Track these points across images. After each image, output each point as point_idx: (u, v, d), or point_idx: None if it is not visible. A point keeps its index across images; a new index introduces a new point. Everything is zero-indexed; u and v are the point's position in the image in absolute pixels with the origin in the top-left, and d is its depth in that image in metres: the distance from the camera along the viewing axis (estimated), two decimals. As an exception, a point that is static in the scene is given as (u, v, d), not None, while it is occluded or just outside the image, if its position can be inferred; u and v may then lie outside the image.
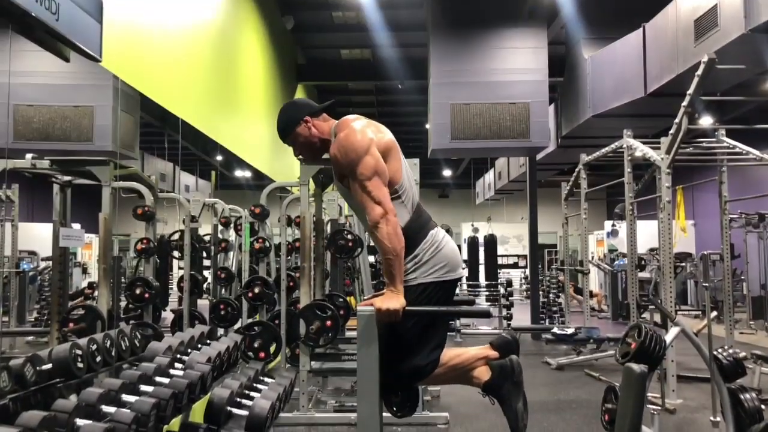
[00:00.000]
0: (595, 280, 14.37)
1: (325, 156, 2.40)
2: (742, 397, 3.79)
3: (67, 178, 5.14)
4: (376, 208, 2.03)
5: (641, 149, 5.75)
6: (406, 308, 1.96)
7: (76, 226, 5.82)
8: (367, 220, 2.07)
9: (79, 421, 2.12)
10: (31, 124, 5.56)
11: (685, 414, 4.84)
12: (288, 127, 2.23)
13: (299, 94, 11.11)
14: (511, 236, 18.76)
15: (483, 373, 2.28)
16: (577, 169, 7.82)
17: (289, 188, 6.98)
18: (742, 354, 4.16)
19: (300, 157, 2.43)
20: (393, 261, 1.99)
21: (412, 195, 2.19)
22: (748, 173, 10.27)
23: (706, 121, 9.28)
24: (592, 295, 13.19)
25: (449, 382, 2.40)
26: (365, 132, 2.15)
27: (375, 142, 2.14)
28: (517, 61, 8.05)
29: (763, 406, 3.80)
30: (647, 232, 9.84)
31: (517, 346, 2.38)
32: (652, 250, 11.43)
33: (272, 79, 9.23)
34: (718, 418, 3.81)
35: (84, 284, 12.24)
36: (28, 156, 4.73)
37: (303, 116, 2.22)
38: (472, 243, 16.00)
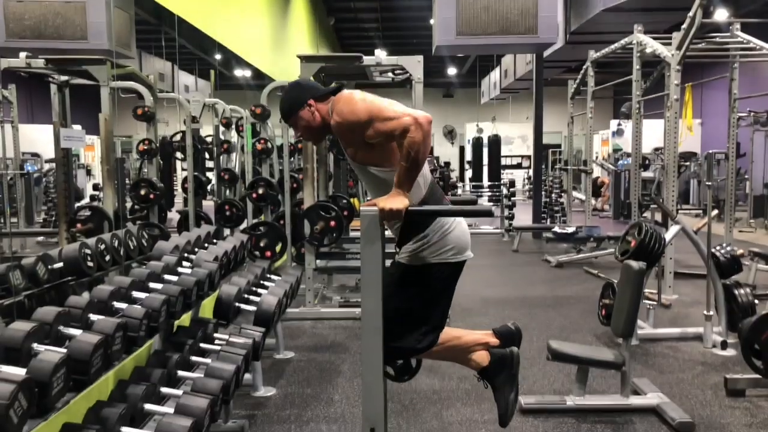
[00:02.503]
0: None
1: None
2: (736, 292, 3.90)
3: (64, 78, 5.05)
4: (403, 118, 1.96)
5: (651, 45, 5.57)
6: (409, 208, 1.97)
7: (77, 127, 5.78)
8: (398, 133, 1.98)
9: (93, 316, 2.20)
10: (22, 21, 5.39)
11: (680, 308, 4.99)
12: (292, 110, 2.16)
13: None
14: (516, 136, 18.60)
15: (482, 357, 2.32)
16: (584, 67, 7.62)
17: (291, 87, 6.86)
18: (740, 251, 4.24)
19: (300, 137, 2.37)
20: (410, 169, 1.97)
21: (425, 172, 2.14)
22: (760, 70, 10.02)
23: (721, 14, 8.96)
24: (602, 192, 13.27)
25: (445, 359, 2.47)
26: (366, 96, 2.09)
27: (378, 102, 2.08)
28: (527, -49, 7.64)
29: (756, 301, 3.92)
30: (653, 132, 9.74)
31: (520, 338, 2.40)
32: (656, 149, 11.36)
33: (270, -28, 8.85)
34: (712, 312, 3.94)
35: (89, 186, 12.33)
36: (22, 54, 4.62)
37: (307, 100, 2.14)
38: (477, 143, 15.92)
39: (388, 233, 2.06)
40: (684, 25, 5.00)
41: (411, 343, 2.17)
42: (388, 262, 2.02)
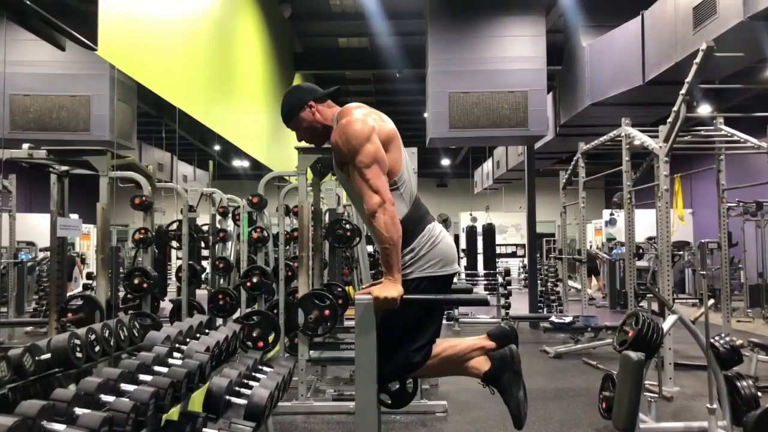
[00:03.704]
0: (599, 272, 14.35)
1: (327, 145, 2.38)
2: (738, 384, 3.82)
3: (65, 168, 5.12)
4: (374, 196, 2.02)
5: (639, 137, 5.74)
6: (404, 296, 1.96)
7: (74, 216, 5.81)
8: (365, 208, 2.06)
9: (78, 410, 2.12)
10: (27, 114, 5.53)
11: (682, 401, 4.87)
12: (292, 111, 2.22)
13: (297, 83, 11.07)
14: (510, 225, 18.78)
15: (482, 363, 2.26)
16: (575, 158, 7.81)
17: (287, 178, 6.97)
18: (739, 342, 4.18)
19: (302, 141, 2.41)
20: (390, 250, 1.99)
21: (410, 187, 2.18)
22: (746, 162, 10.26)
23: (704, 109, 9.30)
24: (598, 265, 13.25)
25: (445, 373, 2.39)
26: (367, 120, 2.14)
27: (376, 131, 2.13)
28: (516, 50, 8.02)
29: (759, 394, 3.83)
30: (645, 221, 9.86)
31: (516, 336, 2.36)
32: (650, 238, 11.45)
33: (270, 68, 9.19)
34: (715, 405, 3.83)
35: (83, 275, 12.24)
36: (25, 146, 4.71)
37: (308, 101, 2.21)
38: (471, 232, 16.04)
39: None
40: (669, 119, 5.18)
41: (406, 360, 2.10)
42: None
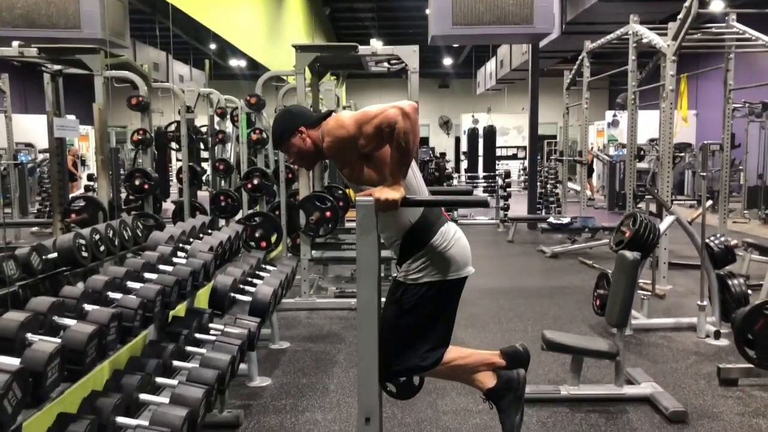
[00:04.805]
0: (593, 171, 14.37)
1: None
2: (729, 282, 3.92)
3: (58, 67, 5.01)
4: (388, 110, 1.93)
5: (647, 35, 5.57)
6: (406, 197, 1.96)
7: (71, 117, 5.75)
8: (386, 127, 1.95)
9: (87, 306, 2.19)
10: (14, 10, 5.34)
11: (674, 299, 5.01)
12: (283, 137, 2.17)
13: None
14: (511, 127, 18.58)
15: (488, 378, 2.29)
16: (580, 57, 7.61)
17: (285, 77, 6.82)
18: (734, 242, 4.25)
19: (293, 164, 2.35)
20: (403, 158, 1.95)
21: (421, 192, 2.12)
22: (755, 62, 10.02)
23: (716, 5, 8.94)
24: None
25: (451, 378, 2.45)
26: (353, 112, 2.08)
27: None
28: (523, -60, 7.62)
29: (749, 291, 3.94)
30: (648, 123, 9.74)
31: (527, 360, 2.36)
32: (652, 140, 11.37)
33: (265, -40, 8.78)
34: (705, 303, 3.95)
35: (84, 177, 12.27)
36: (15, 44, 4.58)
37: (298, 127, 2.13)
38: (472, 134, 15.91)
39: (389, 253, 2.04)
40: (680, 16, 5.00)
41: (416, 361, 2.15)
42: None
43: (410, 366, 2.17)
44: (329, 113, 2.17)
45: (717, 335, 3.85)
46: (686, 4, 4.87)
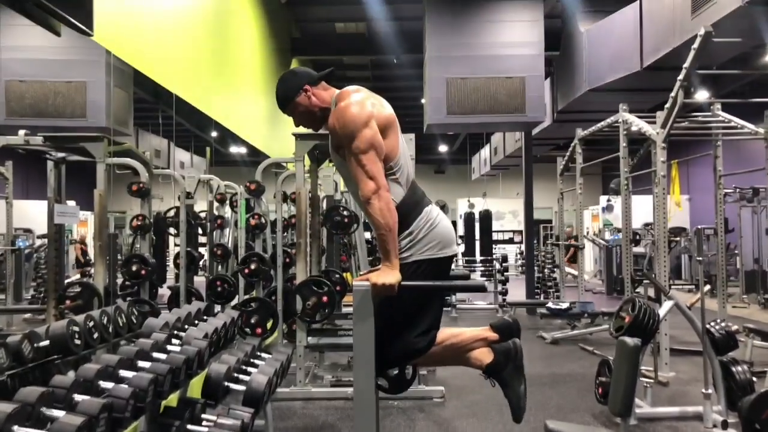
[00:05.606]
0: (589, 256, 14.44)
1: (323, 131, 2.37)
2: (733, 369, 3.85)
3: (61, 154, 5.11)
4: (368, 182, 2.02)
5: (637, 123, 5.73)
6: (402, 282, 1.96)
7: (71, 203, 5.81)
8: (359, 194, 2.06)
9: (78, 397, 2.13)
10: (23, 101, 5.51)
11: (678, 386, 4.90)
12: (288, 97, 2.21)
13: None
14: (507, 212, 18.78)
15: (484, 355, 2.27)
16: (572, 144, 7.80)
17: (285, 164, 6.95)
18: (735, 327, 4.21)
19: (299, 126, 2.40)
20: (387, 236, 1.99)
21: (407, 172, 2.18)
22: (742, 148, 10.26)
23: (701, 95, 9.27)
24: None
25: (447, 363, 2.40)
26: (365, 104, 2.12)
27: (374, 116, 2.12)
28: (514, 35, 7.99)
29: (754, 379, 3.86)
30: (642, 207, 9.86)
31: (518, 329, 2.36)
32: (646, 224, 11.47)
33: (267, 53, 9.14)
34: (710, 390, 3.87)
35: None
36: (21, 132, 4.69)
37: (303, 85, 2.19)
38: (468, 218, 16.04)
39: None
40: (667, 105, 5.17)
41: (410, 345, 2.11)
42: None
43: (406, 351, 2.12)
44: (331, 71, 2.23)
45: (725, 425, 3.73)
46: (672, 93, 5.05)
